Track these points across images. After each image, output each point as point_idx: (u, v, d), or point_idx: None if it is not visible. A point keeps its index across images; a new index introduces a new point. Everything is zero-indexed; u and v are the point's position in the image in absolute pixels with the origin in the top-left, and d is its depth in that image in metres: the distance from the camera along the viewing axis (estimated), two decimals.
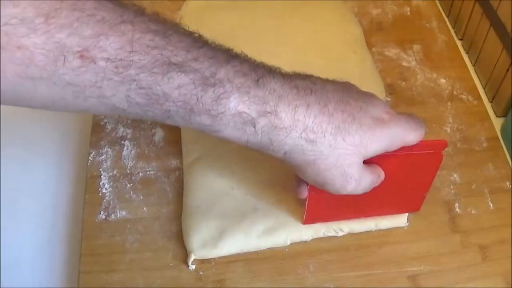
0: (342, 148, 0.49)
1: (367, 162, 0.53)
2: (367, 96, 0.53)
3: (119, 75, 0.41)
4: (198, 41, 0.45)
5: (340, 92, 0.50)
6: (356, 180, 0.52)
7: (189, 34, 0.45)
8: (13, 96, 0.41)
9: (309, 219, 0.63)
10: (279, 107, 0.46)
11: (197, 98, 0.44)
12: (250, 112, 0.45)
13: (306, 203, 0.59)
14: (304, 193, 0.59)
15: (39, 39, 0.38)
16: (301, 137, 0.48)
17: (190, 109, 0.44)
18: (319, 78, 0.51)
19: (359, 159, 0.51)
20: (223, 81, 0.44)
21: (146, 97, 0.43)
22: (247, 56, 0.48)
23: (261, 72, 0.47)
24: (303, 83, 0.49)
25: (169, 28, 0.44)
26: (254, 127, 0.46)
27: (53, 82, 0.40)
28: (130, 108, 0.43)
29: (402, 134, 0.52)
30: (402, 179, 0.59)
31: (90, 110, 0.44)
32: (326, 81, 0.52)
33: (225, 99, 0.44)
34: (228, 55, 0.46)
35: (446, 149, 0.72)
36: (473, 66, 0.86)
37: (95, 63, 0.40)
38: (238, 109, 0.45)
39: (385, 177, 0.56)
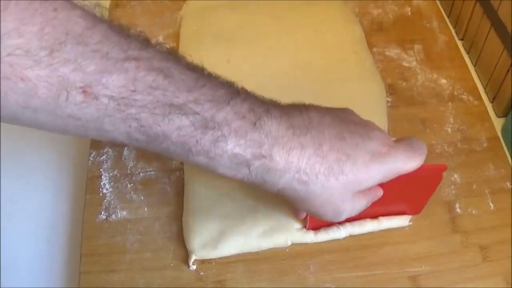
0: (335, 188, 0.49)
1: None
2: (366, 128, 0.53)
3: (121, 113, 0.41)
4: (200, 79, 0.45)
5: (337, 127, 0.50)
6: (349, 210, 0.53)
7: (192, 70, 0.45)
8: (13, 120, 0.41)
9: (311, 225, 0.63)
10: (274, 150, 0.47)
11: (196, 140, 0.44)
12: (245, 155, 0.46)
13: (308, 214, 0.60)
14: (303, 214, 0.61)
15: (42, 72, 0.38)
16: (294, 178, 0.48)
17: (188, 150, 0.45)
18: (316, 111, 0.51)
19: (352, 193, 0.51)
20: (222, 125, 0.44)
21: (146, 135, 0.43)
22: (247, 92, 0.48)
23: (259, 113, 0.47)
24: (300, 121, 0.49)
25: (172, 64, 0.43)
26: (249, 169, 0.47)
27: (55, 113, 0.40)
28: (130, 142, 0.44)
29: (400, 165, 0.52)
30: (402, 195, 0.59)
31: (90, 137, 0.44)
32: (324, 113, 0.51)
33: (222, 142, 0.45)
34: (229, 94, 0.46)
35: (447, 149, 0.72)
36: (474, 66, 0.86)
37: (97, 100, 0.40)
38: (234, 151, 0.45)
39: (384, 193, 0.56)
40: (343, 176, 0.49)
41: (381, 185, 0.54)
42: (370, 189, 0.53)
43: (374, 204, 0.56)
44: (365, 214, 0.63)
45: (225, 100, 0.45)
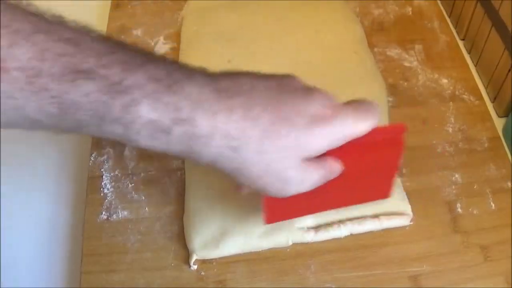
0: (273, 152, 0.46)
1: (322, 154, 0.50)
2: (307, 92, 0.48)
3: (32, 85, 0.40)
4: (114, 47, 0.43)
5: (273, 91, 0.47)
6: (298, 181, 0.48)
7: (106, 40, 0.43)
8: None
9: (270, 218, 0.57)
10: (197, 113, 0.43)
11: (106, 106, 0.42)
12: (163, 120, 0.43)
13: (263, 202, 0.54)
14: (245, 188, 0.56)
15: None
16: (223, 145, 0.45)
17: (101, 118, 0.42)
18: (251, 77, 0.48)
19: (297, 160, 0.47)
20: (132, 88, 0.42)
21: (59, 107, 0.41)
22: (168, 60, 0.46)
23: (177, 76, 0.44)
24: (228, 85, 0.46)
25: (84, 34, 0.42)
26: (169, 136, 0.44)
27: None
28: (47, 119, 0.42)
29: (349, 128, 0.48)
30: (366, 167, 0.55)
31: (10, 124, 0.43)
32: (260, 78, 0.48)
33: (134, 106, 0.42)
34: (145, 59, 0.44)
35: (448, 149, 0.72)
36: (475, 66, 0.86)
37: (9, 73, 0.39)
38: (149, 117, 0.43)
39: (347, 167, 0.52)
40: (280, 140, 0.45)
41: (339, 157, 0.51)
42: (323, 159, 0.49)
43: (340, 186, 0.53)
44: (333, 204, 0.60)
45: (139, 64, 0.43)
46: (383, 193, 0.61)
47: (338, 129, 0.47)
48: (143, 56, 0.44)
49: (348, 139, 0.48)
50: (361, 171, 0.54)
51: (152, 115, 0.43)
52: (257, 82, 0.47)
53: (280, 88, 0.48)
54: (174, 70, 0.44)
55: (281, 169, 0.47)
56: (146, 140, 0.44)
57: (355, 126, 0.48)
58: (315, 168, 0.49)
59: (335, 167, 0.51)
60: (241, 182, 0.49)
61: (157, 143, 0.44)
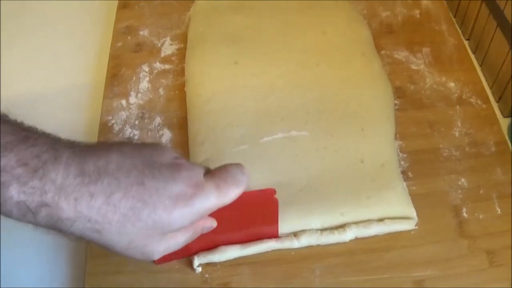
0: (133, 233, 0.48)
1: None
2: (173, 170, 0.50)
3: None
4: None
5: (137, 172, 0.48)
6: (162, 250, 0.51)
7: None
8: None
9: (160, 259, 0.57)
10: (60, 199, 0.45)
11: None
12: (29, 203, 0.45)
13: None
14: None
15: None
16: (86, 228, 0.47)
17: None
18: (119, 154, 0.49)
19: (157, 237, 0.50)
20: (3, 171, 0.43)
21: None
22: (41, 136, 0.47)
23: (45, 159, 0.45)
24: (92, 167, 0.47)
25: None
26: (35, 217, 0.45)
27: None
28: None
29: (212, 202, 0.50)
30: (245, 220, 0.58)
31: None
32: (128, 155, 0.50)
33: (5, 188, 0.44)
34: (16, 140, 0.45)
35: (454, 153, 0.72)
36: (480, 66, 0.86)
37: None
38: (18, 198, 0.44)
39: (225, 220, 0.55)
40: (140, 223, 0.48)
41: (214, 214, 0.53)
42: (192, 224, 0.52)
43: (222, 231, 0.56)
44: (223, 240, 0.62)
45: (9, 147, 0.44)
46: (272, 233, 0.63)
47: (198, 207, 0.50)
48: (16, 135, 0.45)
49: (213, 210, 0.51)
50: (241, 222, 0.58)
51: (20, 197, 0.44)
52: (124, 160, 0.49)
53: (146, 168, 0.49)
54: (43, 151, 0.45)
55: (143, 245, 0.50)
56: (17, 217, 0.46)
57: (218, 200, 0.51)
58: (180, 234, 0.52)
59: (206, 225, 0.55)
60: (111, 252, 0.51)
61: (26, 220, 0.46)
